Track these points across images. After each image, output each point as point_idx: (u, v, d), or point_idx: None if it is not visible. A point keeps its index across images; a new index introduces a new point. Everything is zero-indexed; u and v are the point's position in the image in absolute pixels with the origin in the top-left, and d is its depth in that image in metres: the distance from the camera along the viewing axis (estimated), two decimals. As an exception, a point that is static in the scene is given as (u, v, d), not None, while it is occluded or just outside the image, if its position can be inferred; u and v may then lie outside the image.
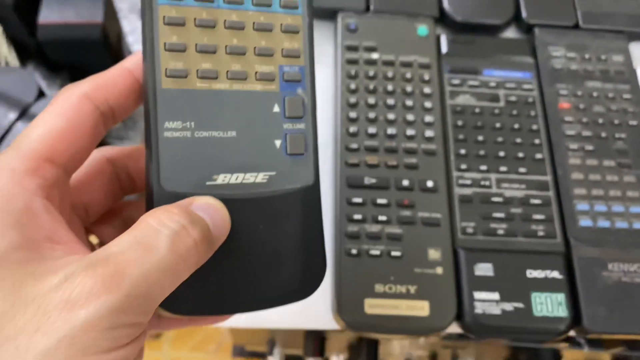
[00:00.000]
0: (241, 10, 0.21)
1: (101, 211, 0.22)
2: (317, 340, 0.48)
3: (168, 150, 0.20)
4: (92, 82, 0.20)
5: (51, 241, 0.17)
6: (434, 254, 0.33)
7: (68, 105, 0.19)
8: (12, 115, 0.50)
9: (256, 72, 0.21)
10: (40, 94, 0.53)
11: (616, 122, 0.38)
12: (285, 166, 0.21)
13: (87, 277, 0.15)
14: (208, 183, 0.20)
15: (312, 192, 0.21)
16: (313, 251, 0.22)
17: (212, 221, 0.19)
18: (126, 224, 0.21)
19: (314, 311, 0.34)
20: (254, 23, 0.21)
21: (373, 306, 0.31)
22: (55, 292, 0.15)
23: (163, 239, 0.16)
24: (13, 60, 0.63)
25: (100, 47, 0.56)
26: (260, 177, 0.21)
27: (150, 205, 0.20)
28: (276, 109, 0.21)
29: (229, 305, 0.21)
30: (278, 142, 0.21)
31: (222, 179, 0.20)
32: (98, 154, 0.22)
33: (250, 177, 0.21)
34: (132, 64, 0.20)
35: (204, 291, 0.20)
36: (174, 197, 0.19)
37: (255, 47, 0.21)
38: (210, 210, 0.19)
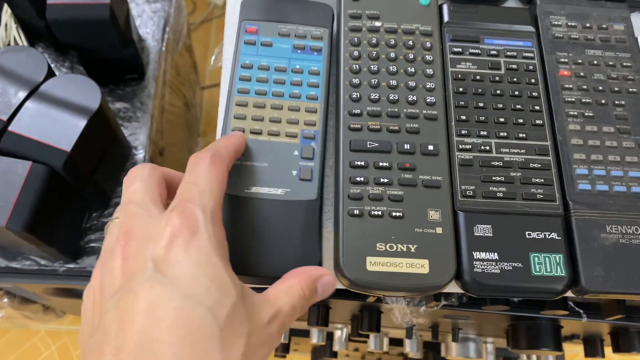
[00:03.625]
0: (280, 99, 0.36)
1: None
2: (321, 310, 0.49)
3: None
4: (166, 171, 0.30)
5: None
6: (434, 214, 0.33)
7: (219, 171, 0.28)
8: (22, 94, 0.51)
9: (285, 131, 0.35)
10: (50, 73, 0.53)
11: (616, 89, 0.38)
12: (297, 186, 0.34)
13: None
14: (246, 190, 0.33)
15: (315, 204, 0.34)
16: (311, 243, 0.33)
17: (323, 290, 0.30)
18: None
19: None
20: (288, 106, 0.36)
21: (375, 264, 0.32)
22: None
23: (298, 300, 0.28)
24: (22, 41, 0.64)
25: (108, 28, 0.56)
26: (280, 191, 0.33)
27: None
28: (296, 153, 0.35)
29: (256, 269, 0.32)
30: (295, 172, 0.34)
31: (254, 189, 0.33)
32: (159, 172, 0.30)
33: (273, 190, 0.33)
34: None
35: (250, 257, 0.32)
36: (227, 197, 0.32)
37: (287, 118, 0.35)
38: (327, 284, 0.30)
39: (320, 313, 0.49)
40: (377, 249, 0.32)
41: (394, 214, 0.33)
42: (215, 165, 0.28)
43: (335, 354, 0.68)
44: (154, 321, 0.21)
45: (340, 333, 0.61)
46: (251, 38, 0.37)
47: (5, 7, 0.63)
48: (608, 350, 0.52)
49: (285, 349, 0.69)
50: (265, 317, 0.25)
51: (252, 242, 0.32)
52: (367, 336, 0.57)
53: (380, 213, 0.33)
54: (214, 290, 0.22)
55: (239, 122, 0.35)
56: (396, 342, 0.61)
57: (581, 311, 0.44)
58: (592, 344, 0.53)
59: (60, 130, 0.49)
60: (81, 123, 0.49)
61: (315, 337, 0.58)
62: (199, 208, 0.25)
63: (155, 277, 0.22)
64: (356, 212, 0.33)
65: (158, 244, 0.23)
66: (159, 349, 0.20)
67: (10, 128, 0.48)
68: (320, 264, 0.33)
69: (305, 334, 0.63)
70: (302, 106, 0.36)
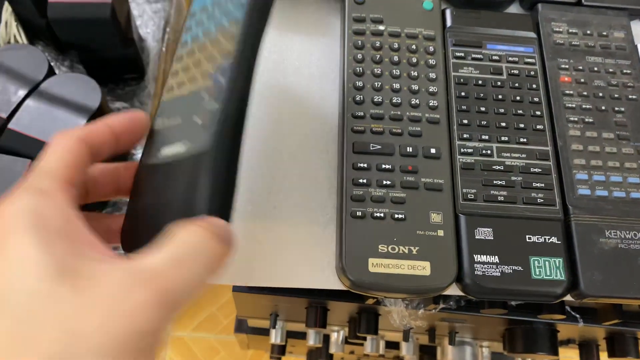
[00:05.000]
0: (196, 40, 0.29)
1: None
2: (319, 311, 0.49)
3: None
4: (84, 130, 0.25)
5: (90, 245, 0.20)
6: (435, 217, 0.34)
7: (69, 142, 0.23)
8: (22, 92, 0.51)
9: (201, 72, 0.27)
10: (50, 72, 0.53)
11: (616, 95, 0.39)
12: (199, 137, 0.25)
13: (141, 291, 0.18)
14: (159, 155, 0.26)
15: (204, 156, 0.25)
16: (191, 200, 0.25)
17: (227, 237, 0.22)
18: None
19: (320, 273, 0.35)
20: (209, 41, 0.28)
21: (376, 265, 0.32)
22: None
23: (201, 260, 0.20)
24: (22, 39, 0.64)
25: (109, 27, 0.56)
26: (183, 148, 0.25)
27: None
28: (205, 97, 0.26)
29: (148, 233, 0.24)
30: (199, 120, 0.25)
31: (164, 151, 0.26)
32: (66, 138, 0.25)
33: (177, 148, 0.26)
34: (113, 121, 0.26)
35: (134, 226, 0.26)
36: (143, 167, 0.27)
37: (204, 56, 0.28)
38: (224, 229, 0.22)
39: (318, 314, 0.49)
40: (379, 250, 0.32)
41: (396, 216, 0.33)
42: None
43: (331, 357, 0.68)
44: None
45: (337, 335, 0.61)
46: None
47: (6, 4, 0.63)
48: (603, 355, 0.52)
49: (280, 350, 0.69)
50: (123, 290, 0.18)
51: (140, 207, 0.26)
52: (364, 339, 0.57)
53: (382, 215, 0.33)
54: (10, 283, 0.18)
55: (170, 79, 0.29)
56: (392, 345, 0.62)
57: (577, 316, 0.45)
58: (587, 349, 0.53)
59: (59, 128, 0.48)
60: (81, 122, 0.49)
61: (312, 339, 0.58)
62: (22, 192, 0.21)
63: None
64: (359, 213, 0.33)
65: None
66: None
67: (10, 126, 0.48)
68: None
69: (302, 335, 0.63)
70: (220, 38, 0.27)
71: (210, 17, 0.28)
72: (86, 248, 0.20)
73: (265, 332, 0.63)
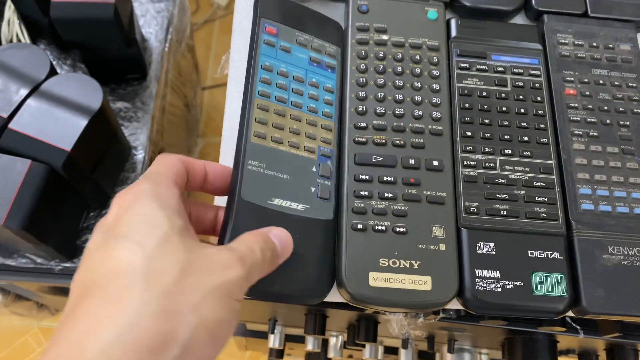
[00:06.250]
0: (299, 111, 0.35)
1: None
2: (318, 318, 0.49)
3: (248, 177, 0.32)
4: (182, 157, 0.29)
5: (190, 229, 0.26)
6: (437, 231, 0.33)
7: (172, 160, 0.28)
8: (23, 92, 0.51)
9: (305, 145, 0.34)
10: (52, 71, 0.53)
11: (621, 109, 0.38)
12: (316, 204, 0.33)
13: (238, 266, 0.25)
14: (269, 201, 0.32)
15: (331, 225, 0.33)
16: (326, 265, 0.32)
17: (280, 245, 0.28)
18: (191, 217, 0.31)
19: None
20: (306, 119, 0.35)
21: (377, 279, 0.32)
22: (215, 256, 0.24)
23: (258, 254, 0.26)
24: (25, 38, 0.63)
25: (112, 27, 0.56)
26: (300, 207, 0.33)
27: (230, 206, 0.31)
28: (314, 169, 0.34)
29: (270, 293, 0.30)
30: (313, 189, 0.33)
31: (277, 201, 0.32)
32: (174, 157, 0.29)
33: (294, 205, 0.32)
34: (211, 168, 0.31)
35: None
36: (246, 205, 0.31)
37: (305, 132, 0.35)
38: (281, 237, 0.29)
39: (317, 321, 0.49)
40: (380, 264, 0.32)
41: (397, 229, 0.33)
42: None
43: (329, 361, 0.68)
44: (89, 269, 0.23)
45: (336, 340, 0.61)
46: (271, 39, 0.36)
47: (9, 3, 0.62)
48: (603, 365, 0.52)
49: (279, 354, 0.69)
50: (223, 257, 0.24)
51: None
52: (363, 345, 0.57)
53: (384, 228, 0.33)
54: (142, 225, 0.24)
55: (260, 126, 0.34)
56: (391, 351, 0.61)
57: (578, 327, 0.45)
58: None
59: (60, 129, 0.48)
60: (82, 122, 0.49)
61: (311, 344, 0.58)
62: (143, 180, 0.26)
63: (104, 235, 0.24)
64: (360, 226, 0.33)
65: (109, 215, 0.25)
66: (93, 291, 0.22)
67: (11, 125, 0.48)
68: (332, 286, 0.33)
69: (300, 339, 0.63)
70: (319, 122, 0.35)
71: (308, 95, 0.36)
72: (192, 231, 0.25)
73: (263, 335, 0.63)
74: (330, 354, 0.61)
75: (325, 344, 0.63)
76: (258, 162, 0.32)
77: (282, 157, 0.33)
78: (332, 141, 0.35)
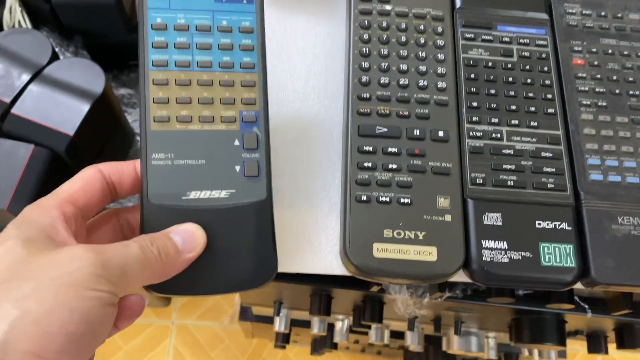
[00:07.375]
0: (210, 71, 0.28)
1: (97, 211, 0.29)
2: (323, 299, 0.48)
3: (154, 174, 0.27)
4: (107, 164, 0.28)
5: (65, 244, 0.25)
6: (443, 202, 0.33)
7: (87, 173, 0.28)
8: (25, 77, 0.51)
9: (221, 116, 0.28)
10: (54, 57, 0.53)
11: (630, 79, 0.38)
12: (243, 185, 0.28)
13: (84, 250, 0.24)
14: (183, 197, 0.27)
15: (265, 205, 0.29)
16: (265, 251, 0.29)
17: (183, 241, 0.26)
18: (121, 225, 0.30)
19: (324, 259, 0.34)
20: (220, 80, 0.28)
21: (382, 250, 0.31)
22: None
23: (136, 249, 0.25)
24: (26, 24, 0.63)
25: (114, 12, 0.56)
26: (224, 194, 0.28)
27: (142, 213, 0.27)
28: (236, 143, 0.28)
29: (198, 288, 0.28)
30: (238, 167, 0.28)
31: (193, 194, 0.27)
32: (92, 169, 0.28)
33: (215, 193, 0.28)
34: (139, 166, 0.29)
35: (182, 277, 0.27)
36: (157, 208, 0.27)
37: (220, 98, 0.28)
38: (184, 233, 0.26)
39: (322, 302, 0.48)
40: (385, 235, 0.31)
41: (402, 200, 0.32)
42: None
43: (335, 346, 0.68)
44: None
45: (341, 324, 0.61)
46: None
47: (10, -13, 0.62)
48: (611, 347, 0.51)
49: (285, 338, 0.68)
50: (73, 251, 0.24)
51: (199, 259, 0.27)
52: (368, 327, 0.56)
53: (388, 199, 0.32)
54: None
55: (160, 108, 0.28)
56: (397, 335, 0.61)
57: (586, 306, 0.44)
58: (595, 340, 0.52)
59: (63, 114, 0.48)
60: (84, 107, 0.49)
61: (316, 327, 0.58)
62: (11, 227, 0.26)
63: None
64: (363, 198, 0.32)
65: None
66: None
67: (13, 110, 0.48)
68: (275, 271, 0.30)
69: (306, 324, 0.63)
70: (237, 79, 0.28)
71: (219, 47, 0.29)
72: (58, 238, 0.25)
73: (269, 320, 0.63)
74: (337, 339, 0.61)
75: (331, 328, 0.62)
76: (164, 153, 0.27)
77: (193, 139, 0.28)
78: (256, 100, 0.29)
